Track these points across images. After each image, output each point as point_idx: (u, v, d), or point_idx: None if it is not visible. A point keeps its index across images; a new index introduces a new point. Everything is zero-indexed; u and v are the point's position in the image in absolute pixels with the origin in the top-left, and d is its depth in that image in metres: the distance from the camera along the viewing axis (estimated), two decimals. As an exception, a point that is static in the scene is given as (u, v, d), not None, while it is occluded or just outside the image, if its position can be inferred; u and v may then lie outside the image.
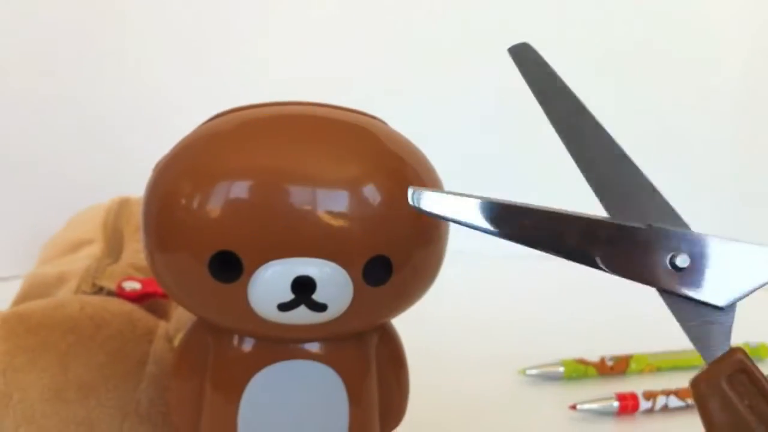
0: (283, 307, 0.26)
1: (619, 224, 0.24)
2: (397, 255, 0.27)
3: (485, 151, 0.84)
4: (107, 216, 0.50)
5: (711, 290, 0.24)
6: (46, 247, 0.52)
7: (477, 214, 0.24)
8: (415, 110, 0.78)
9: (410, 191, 0.24)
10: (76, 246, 0.48)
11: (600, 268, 0.24)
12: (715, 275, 0.23)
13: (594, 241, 0.24)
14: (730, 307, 0.24)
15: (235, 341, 0.29)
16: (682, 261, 0.23)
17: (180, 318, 0.38)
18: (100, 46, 0.76)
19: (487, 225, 0.24)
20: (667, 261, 0.24)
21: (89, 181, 0.73)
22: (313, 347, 0.29)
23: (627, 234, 0.24)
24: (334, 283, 0.26)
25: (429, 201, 0.24)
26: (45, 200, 0.71)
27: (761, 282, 0.23)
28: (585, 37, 0.81)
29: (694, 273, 0.23)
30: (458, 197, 0.24)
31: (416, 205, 0.24)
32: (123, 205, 0.51)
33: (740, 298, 0.24)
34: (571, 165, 0.25)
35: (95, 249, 0.46)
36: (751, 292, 0.23)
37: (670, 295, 0.24)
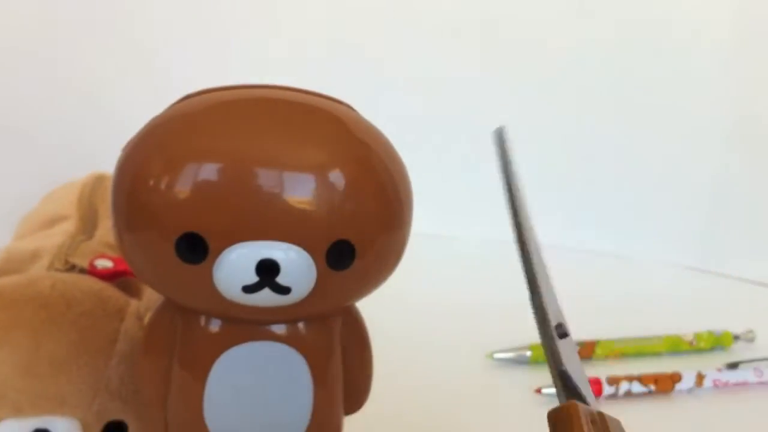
0: (248, 289, 0.26)
1: None
2: (360, 240, 0.27)
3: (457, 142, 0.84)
4: (82, 192, 0.50)
5: None
6: (22, 221, 0.53)
7: None
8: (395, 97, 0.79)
9: None
10: (51, 221, 0.48)
11: None
12: None
13: None
14: None
15: (202, 321, 0.30)
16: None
17: (151, 297, 0.38)
18: (88, 24, 0.76)
19: None
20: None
21: (67, 155, 0.73)
22: (278, 329, 0.29)
23: None
24: (297, 267, 0.26)
25: None
26: (22, 174, 0.72)
27: None
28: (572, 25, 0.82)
29: None
30: None
31: None
32: (99, 181, 0.51)
33: None
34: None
35: (69, 225, 0.46)
36: None
37: None
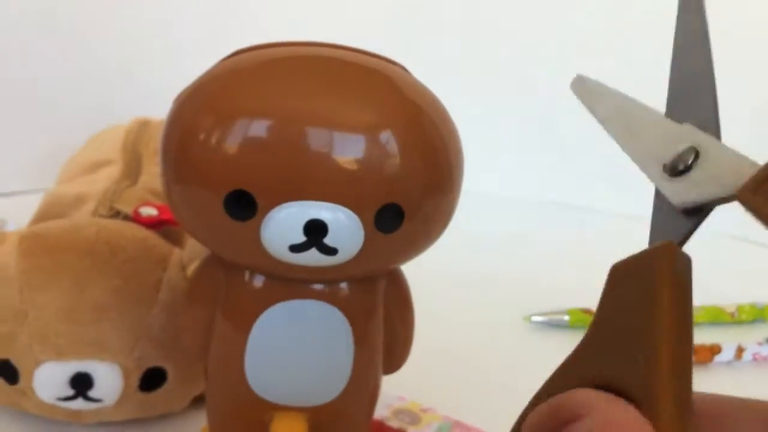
0: (295, 248, 0.26)
1: None
2: (409, 204, 0.27)
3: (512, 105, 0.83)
4: (127, 137, 0.50)
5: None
6: (66, 164, 0.53)
7: None
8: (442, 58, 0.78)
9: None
10: (96, 166, 0.48)
11: None
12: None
13: None
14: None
15: (247, 277, 0.29)
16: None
17: (194, 246, 0.38)
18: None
19: None
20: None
21: (112, 100, 0.73)
22: (323, 288, 0.29)
23: None
24: (345, 229, 0.26)
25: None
26: (68, 116, 0.72)
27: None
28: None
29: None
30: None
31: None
32: (143, 127, 0.51)
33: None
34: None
35: (114, 170, 0.46)
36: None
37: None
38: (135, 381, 0.36)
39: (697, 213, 0.22)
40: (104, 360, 0.35)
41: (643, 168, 0.24)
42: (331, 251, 0.26)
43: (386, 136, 0.26)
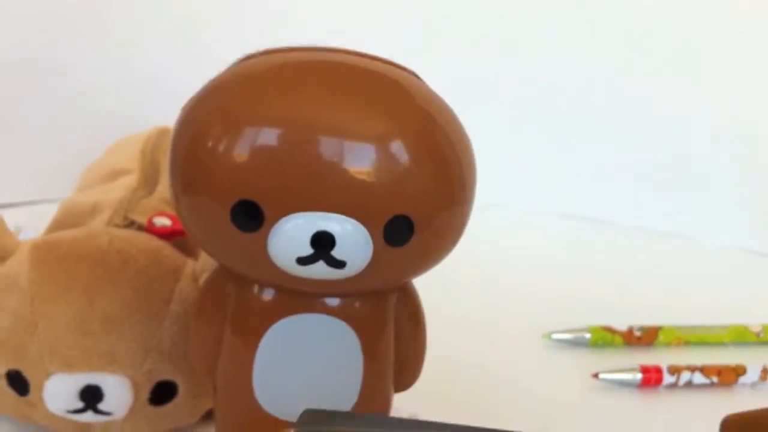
0: (302, 261, 0.26)
1: None
2: (419, 216, 0.26)
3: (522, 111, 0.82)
4: (145, 146, 0.50)
5: None
6: (85, 172, 0.53)
7: None
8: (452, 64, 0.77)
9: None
10: (114, 174, 0.48)
11: None
12: None
13: None
14: None
15: (255, 290, 0.29)
16: None
17: (207, 258, 0.38)
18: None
19: None
20: None
21: (131, 108, 0.73)
22: (331, 302, 0.29)
23: None
24: (354, 241, 0.25)
25: None
26: (87, 124, 0.72)
27: None
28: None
29: None
30: None
31: None
32: (162, 135, 0.51)
33: None
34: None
35: (131, 179, 0.46)
36: None
37: None
38: (145, 394, 0.36)
39: None
40: (114, 372, 0.35)
41: None
42: (339, 264, 0.26)
43: (396, 146, 0.26)
